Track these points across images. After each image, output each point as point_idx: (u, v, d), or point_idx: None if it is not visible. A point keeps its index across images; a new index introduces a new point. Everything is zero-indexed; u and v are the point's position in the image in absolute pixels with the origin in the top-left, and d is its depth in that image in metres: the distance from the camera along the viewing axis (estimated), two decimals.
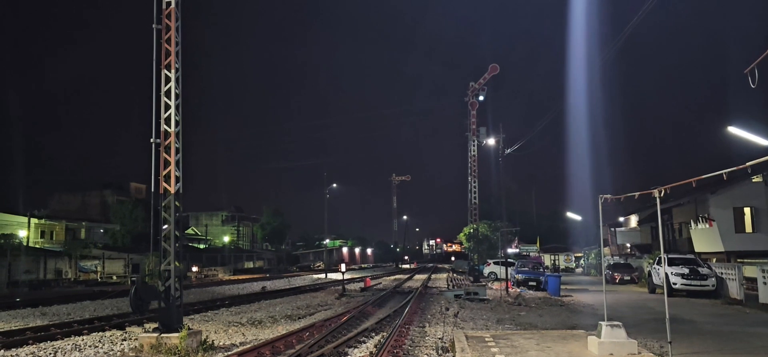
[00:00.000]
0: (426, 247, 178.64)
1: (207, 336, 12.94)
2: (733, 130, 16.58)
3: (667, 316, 9.54)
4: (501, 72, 42.90)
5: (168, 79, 12.61)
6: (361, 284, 35.28)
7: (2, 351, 12.22)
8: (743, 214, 30.12)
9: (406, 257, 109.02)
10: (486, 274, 41.75)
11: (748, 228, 30.00)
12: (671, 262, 24.20)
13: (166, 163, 12.45)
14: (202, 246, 71.77)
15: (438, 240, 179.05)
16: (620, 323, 10.13)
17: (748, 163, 8.02)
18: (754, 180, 29.32)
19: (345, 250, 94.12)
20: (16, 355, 11.74)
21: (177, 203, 12.42)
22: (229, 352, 11.33)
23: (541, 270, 33.63)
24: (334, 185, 69.67)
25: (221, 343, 12.98)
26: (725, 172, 8.44)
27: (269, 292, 29.94)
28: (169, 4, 12.67)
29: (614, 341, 9.83)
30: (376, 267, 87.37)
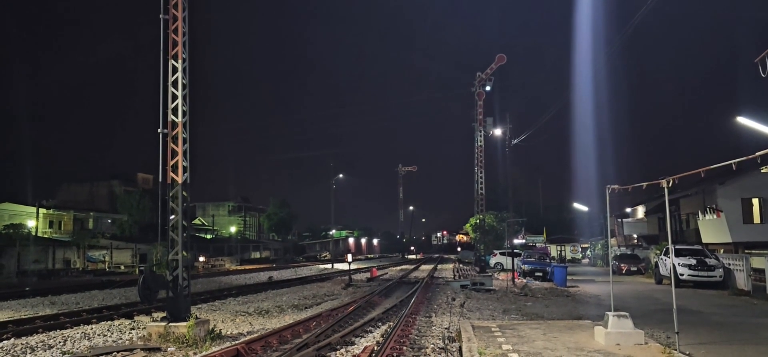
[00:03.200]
0: (433, 238, 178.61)
1: (214, 325, 13.04)
2: (742, 119, 16.44)
3: (675, 307, 9.51)
4: (508, 62, 42.73)
5: (175, 70, 12.63)
6: (368, 274, 35.39)
7: (13, 339, 12.37)
8: (751, 205, 29.92)
9: (413, 248, 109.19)
10: (492, 265, 41.78)
11: (756, 219, 29.81)
12: (678, 253, 24.08)
13: (174, 153, 12.48)
14: (209, 236, 72.14)
15: (444, 231, 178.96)
16: (627, 313, 10.10)
17: (757, 153, 7.96)
18: (762, 170, 29.05)
19: (351, 240, 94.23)
20: (27, 342, 11.86)
21: (184, 193, 12.47)
22: (237, 341, 11.38)
23: (548, 261, 33.65)
24: (341, 175, 69.79)
25: (228, 332, 13.07)
26: (735, 162, 8.39)
27: (276, 281, 30.08)
28: None
29: (621, 331, 9.82)
30: (383, 257, 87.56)
